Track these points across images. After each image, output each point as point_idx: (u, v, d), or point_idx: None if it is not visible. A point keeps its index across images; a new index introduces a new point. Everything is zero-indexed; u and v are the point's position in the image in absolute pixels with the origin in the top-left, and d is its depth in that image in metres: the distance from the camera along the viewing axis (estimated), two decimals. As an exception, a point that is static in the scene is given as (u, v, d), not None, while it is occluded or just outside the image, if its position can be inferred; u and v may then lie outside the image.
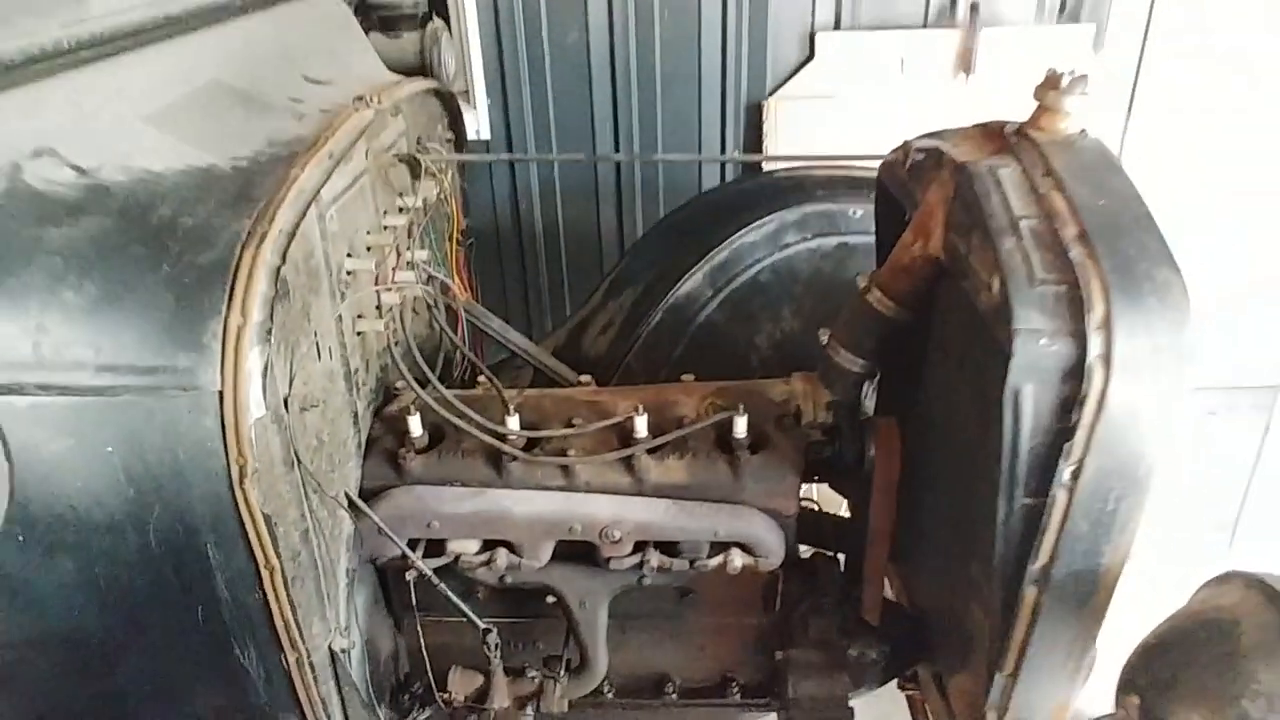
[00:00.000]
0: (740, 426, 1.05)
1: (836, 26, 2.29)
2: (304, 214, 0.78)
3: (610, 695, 1.20)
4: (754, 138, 2.38)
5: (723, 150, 2.45)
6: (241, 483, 0.71)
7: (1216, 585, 0.84)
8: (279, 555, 0.77)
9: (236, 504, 0.72)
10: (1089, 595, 0.89)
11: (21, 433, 0.60)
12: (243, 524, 0.73)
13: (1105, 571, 0.88)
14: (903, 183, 1.07)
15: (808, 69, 2.31)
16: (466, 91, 2.41)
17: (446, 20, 2.19)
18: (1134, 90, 2.25)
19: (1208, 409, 2.48)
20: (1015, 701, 0.97)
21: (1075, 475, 0.82)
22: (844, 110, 2.32)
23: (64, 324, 0.64)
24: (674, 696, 1.20)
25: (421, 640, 1.11)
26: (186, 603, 0.75)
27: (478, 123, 2.40)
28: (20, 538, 0.64)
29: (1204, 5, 2.14)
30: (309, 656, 0.86)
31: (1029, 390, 0.80)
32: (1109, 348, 0.77)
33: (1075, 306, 0.79)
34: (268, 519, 0.74)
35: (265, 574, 0.76)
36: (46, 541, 0.65)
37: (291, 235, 0.75)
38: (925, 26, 2.27)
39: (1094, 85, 0.91)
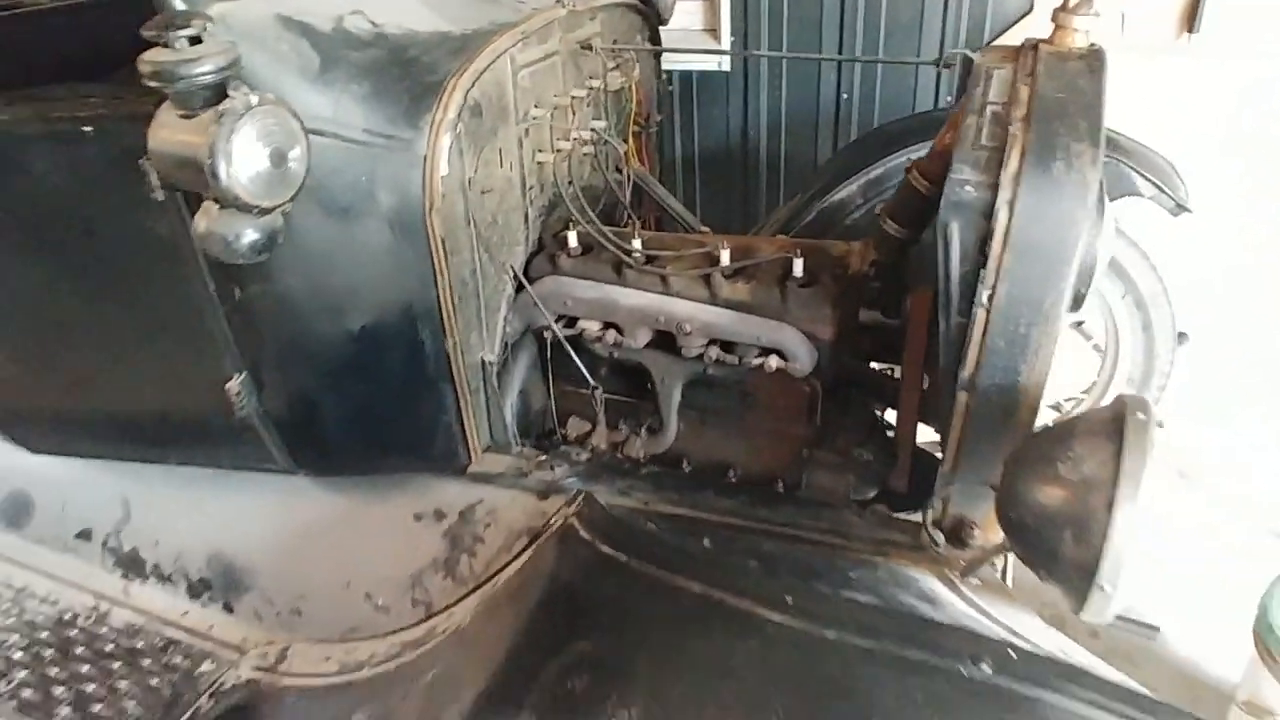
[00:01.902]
0: (797, 267, 1.39)
1: (1060, -20, 2.38)
2: (492, 63, 1.24)
3: (688, 469, 1.60)
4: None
5: (936, 102, 2.65)
6: (430, 213, 1.19)
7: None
8: (449, 274, 1.25)
9: (425, 226, 1.20)
10: (1012, 408, 1.13)
11: (318, 155, 1.11)
12: (429, 241, 1.21)
13: (1023, 389, 1.12)
14: (961, 85, 1.33)
15: (1025, 21, 2.43)
16: (715, 30, 2.82)
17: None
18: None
19: None
20: (954, 498, 1.22)
21: (990, 299, 1.08)
22: (1060, 63, 2.42)
23: (349, 101, 1.14)
24: (733, 481, 1.57)
25: (551, 391, 1.59)
26: (406, 281, 1.25)
27: (719, 59, 2.81)
28: (311, 203, 1.15)
29: None
30: (463, 352, 1.34)
31: (955, 226, 1.07)
32: (1014, 196, 1.02)
33: (996, 163, 1.04)
34: (443, 242, 1.22)
35: (440, 279, 1.25)
36: (326, 209, 1.16)
37: (480, 75, 1.22)
38: (1154, -17, 2.31)
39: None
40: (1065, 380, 2.36)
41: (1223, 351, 2.60)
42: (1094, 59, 1.15)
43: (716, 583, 0.87)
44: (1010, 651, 0.78)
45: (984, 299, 1.08)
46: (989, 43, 2.50)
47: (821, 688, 0.75)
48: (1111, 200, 1.90)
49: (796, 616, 0.80)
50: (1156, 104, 2.37)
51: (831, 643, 0.78)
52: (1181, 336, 2.34)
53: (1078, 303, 1.64)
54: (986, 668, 0.76)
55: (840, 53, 2.66)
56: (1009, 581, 1.43)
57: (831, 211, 2.00)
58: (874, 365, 1.55)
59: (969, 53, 1.24)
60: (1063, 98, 1.08)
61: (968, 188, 1.05)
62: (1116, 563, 0.92)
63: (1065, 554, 0.96)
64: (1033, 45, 1.20)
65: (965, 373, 1.14)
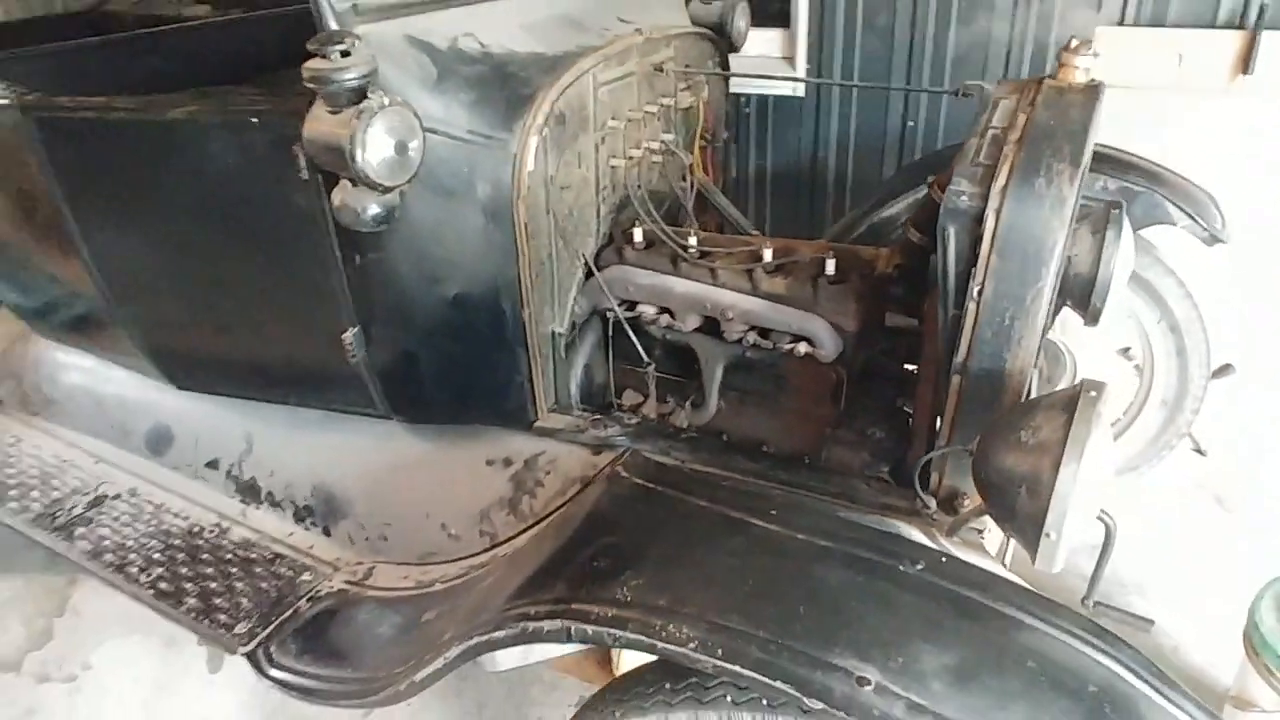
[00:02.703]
0: (829, 266, 1.59)
1: (1120, 22, 2.52)
2: (575, 80, 1.49)
3: (727, 441, 1.80)
4: (1026, 117, 2.70)
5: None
6: (516, 201, 1.44)
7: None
8: (528, 254, 1.50)
9: (512, 213, 1.45)
10: (999, 390, 1.30)
11: (430, 149, 1.37)
12: (514, 225, 1.46)
13: (1008, 374, 1.29)
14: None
15: (1085, 59, 2.57)
16: (791, 58, 3.04)
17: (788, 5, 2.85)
18: None
19: None
20: (948, 470, 1.40)
21: (979, 294, 1.26)
22: (1118, 100, 2.55)
23: (458, 106, 1.40)
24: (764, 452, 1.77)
25: (611, 366, 1.82)
26: (494, 258, 1.50)
27: (793, 85, 3.03)
28: (421, 188, 1.40)
29: None
30: (537, 323, 1.58)
31: (951, 231, 1.25)
32: (1001, 205, 1.20)
33: (988, 178, 1.22)
34: (525, 227, 1.47)
35: (520, 259, 1.50)
36: (433, 193, 1.42)
37: (565, 90, 1.47)
38: (1211, 27, 2.42)
39: None
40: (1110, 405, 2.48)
41: (1266, 382, 2.67)
42: (1090, 93, 1.32)
43: (721, 501, 1.08)
44: (943, 559, 0.97)
45: (974, 294, 1.26)
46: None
47: (784, 573, 0.95)
48: (1142, 227, 2.05)
49: (776, 523, 1.00)
50: (1210, 141, 2.48)
51: (800, 541, 0.98)
52: (1226, 368, 2.43)
53: (1094, 317, 1.80)
54: (921, 567, 0.94)
55: (908, 82, 2.84)
56: (1007, 562, 1.59)
57: (880, 226, 2.19)
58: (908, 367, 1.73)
59: (985, 85, 1.42)
60: (1053, 125, 1.26)
61: (963, 197, 1.24)
62: (1060, 513, 1.09)
63: (1021, 508, 1.13)
64: (1039, 80, 1.38)
65: (958, 359, 1.32)
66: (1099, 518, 1.74)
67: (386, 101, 1.24)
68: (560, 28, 1.63)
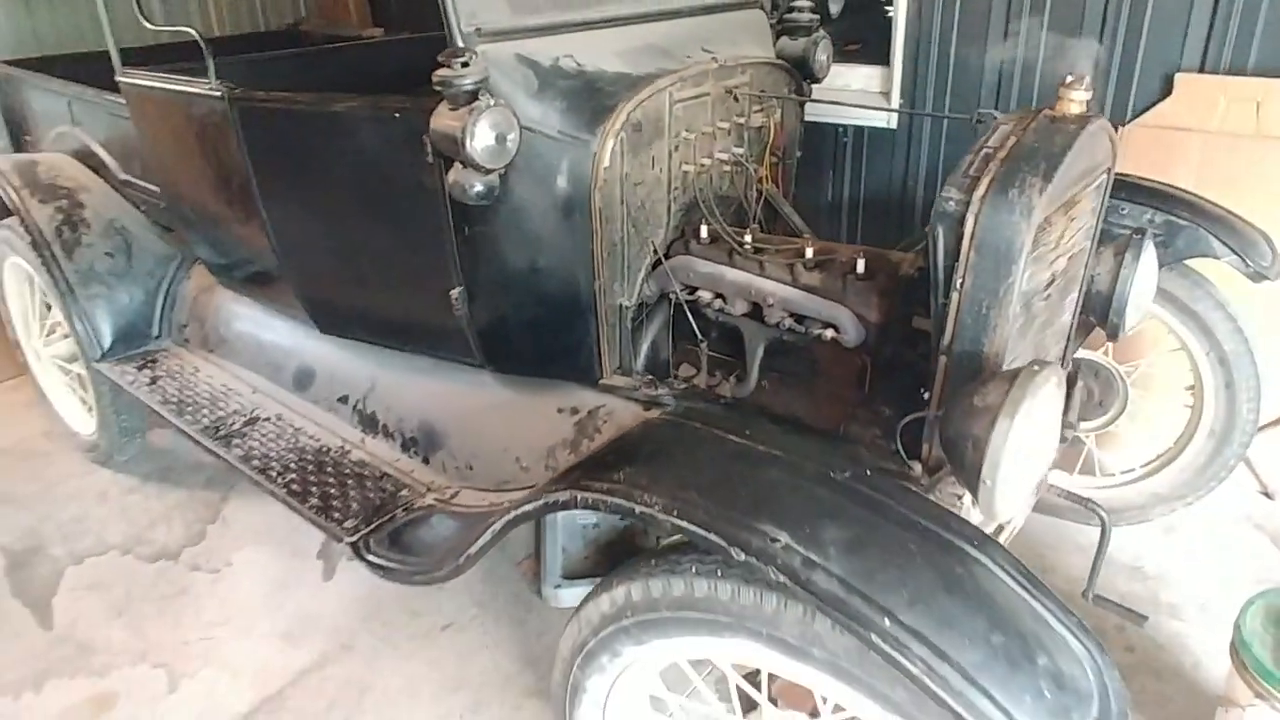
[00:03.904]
0: (859, 265, 1.84)
1: (1201, 69, 2.64)
2: (652, 96, 1.81)
3: (761, 411, 2.06)
4: (1107, 157, 2.83)
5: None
6: (593, 190, 1.77)
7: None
8: (602, 235, 1.82)
9: (590, 200, 1.78)
10: (977, 369, 1.51)
11: (526, 144, 1.72)
12: (591, 210, 1.79)
13: (985, 355, 1.51)
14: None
15: (1165, 103, 2.69)
16: (888, 92, 3.27)
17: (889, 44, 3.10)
18: None
19: None
20: (936, 441, 1.61)
21: (961, 285, 1.48)
22: (1196, 145, 2.66)
23: (552, 111, 1.74)
24: (796, 426, 2.01)
25: (671, 343, 2.12)
26: (574, 238, 1.83)
27: (886, 117, 3.25)
28: (518, 175, 1.75)
29: None
30: (606, 295, 1.90)
31: (940, 231, 1.48)
32: (979, 211, 1.42)
33: (973, 187, 1.44)
34: (600, 212, 1.79)
35: (595, 238, 1.82)
36: (528, 180, 1.76)
37: (642, 103, 1.79)
38: (1291, 77, 2.50)
39: None
40: (1163, 432, 2.57)
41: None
42: (1081, 121, 1.53)
43: (730, 430, 1.36)
44: (867, 472, 1.21)
45: (957, 285, 1.49)
46: (1130, 119, 2.77)
47: (738, 471, 1.22)
48: (1184, 259, 2.18)
49: (751, 440, 1.28)
50: (1288, 187, 2.55)
51: (760, 453, 1.25)
52: None
53: (1113, 334, 1.98)
54: (847, 475, 1.19)
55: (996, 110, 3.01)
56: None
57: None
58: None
59: (995, 113, 1.65)
60: (1036, 147, 1.48)
61: (951, 203, 1.47)
62: (994, 463, 1.31)
63: (968, 460, 1.35)
64: (1039, 110, 1.60)
65: (944, 342, 1.55)
66: (1094, 510, 1.93)
67: (493, 102, 1.59)
68: (646, 54, 1.95)
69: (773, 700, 1.43)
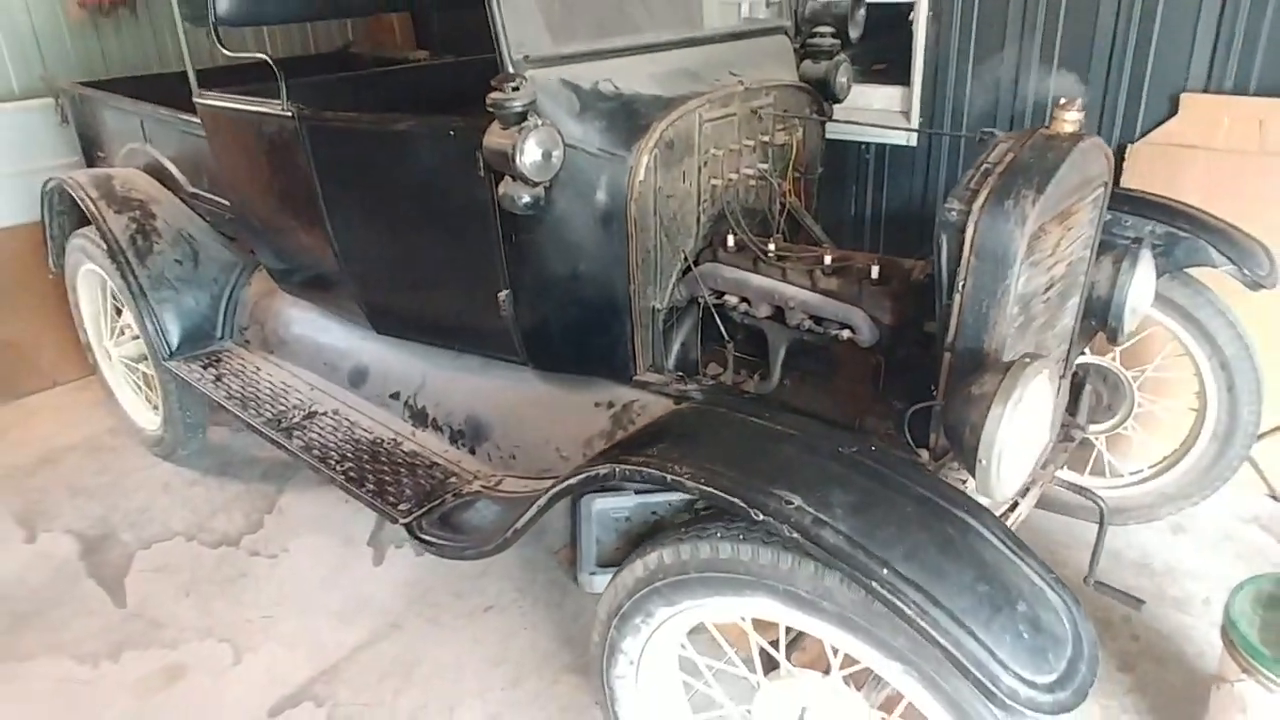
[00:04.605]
0: (874, 272, 1.99)
1: (1206, 89, 2.77)
2: (683, 116, 1.99)
3: (783, 406, 2.21)
4: (1116, 175, 2.97)
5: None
6: (629, 202, 1.95)
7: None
8: (636, 242, 1.99)
9: (626, 211, 1.96)
10: (979, 364, 1.66)
11: (570, 160, 1.90)
12: (626, 220, 1.97)
13: (985, 352, 1.66)
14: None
15: (1171, 122, 2.82)
16: (908, 112, 3.42)
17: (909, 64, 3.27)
18: None
19: None
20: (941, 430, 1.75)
21: (962, 288, 1.63)
22: (1201, 162, 2.79)
23: (592, 131, 1.91)
24: (814, 421, 2.17)
25: (699, 343, 2.28)
26: (612, 245, 2.00)
27: (906, 136, 3.41)
28: (562, 188, 1.93)
29: None
30: (640, 299, 2.07)
31: (944, 238, 1.64)
32: (978, 220, 1.58)
33: (973, 198, 1.60)
34: (635, 222, 1.97)
35: (630, 245, 1.99)
36: (570, 192, 1.94)
37: (674, 123, 1.97)
38: (1291, 97, 2.63)
39: None
40: (1169, 434, 2.69)
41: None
42: (1074, 139, 1.68)
43: (753, 415, 1.53)
44: (872, 447, 1.37)
45: (959, 288, 1.65)
46: (1138, 137, 2.90)
47: (758, 446, 1.38)
48: (1183, 268, 2.32)
49: (771, 421, 1.45)
50: (1290, 201, 2.66)
51: (779, 431, 1.41)
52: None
53: (1113, 337, 2.12)
54: (853, 450, 1.35)
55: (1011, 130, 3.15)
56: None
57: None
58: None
59: (996, 131, 1.80)
60: (1030, 162, 1.63)
61: (953, 212, 1.63)
62: (989, 444, 1.46)
63: (966, 443, 1.51)
64: (1036, 129, 1.75)
65: (949, 339, 1.70)
66: (1092, 499, 2.07)
67: (540, 122, 1.78)
68: (678, 78, 2.13)
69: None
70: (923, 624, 1.12)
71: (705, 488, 1.30)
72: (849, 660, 1.42)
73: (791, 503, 1.23)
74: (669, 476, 1.34)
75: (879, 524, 1.21)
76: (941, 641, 1.12)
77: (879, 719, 1.46)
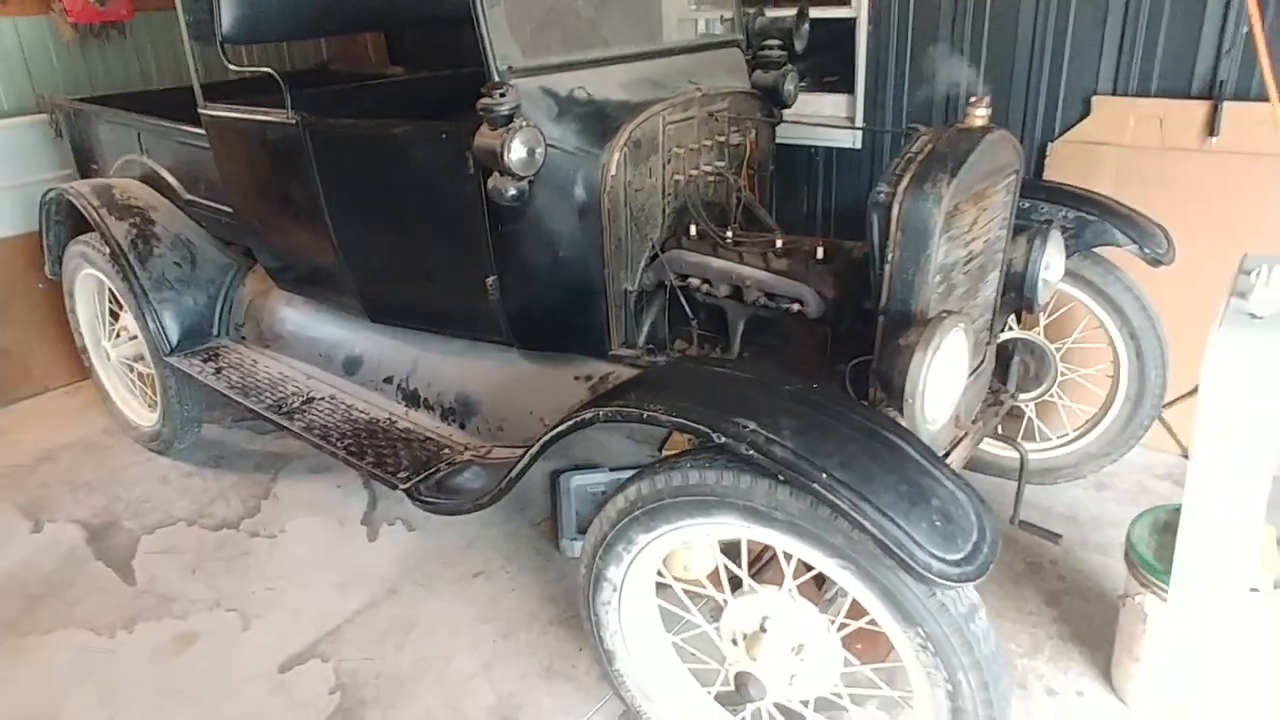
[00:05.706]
0: (819, 253, 2.27)
1: (1114, 92, 3.10)
2: (649, 119, 2.25)
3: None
4: (1039, 170, 3.29)
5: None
6: (603, 195, 2.20)
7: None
8: (610, 231, 2.25)
9: (600, 202, 2.21)
10: (907, 324, 1.93)
11: (550, 158, 2.15)
12: (600, 210, 2.22)
13: (913, 313, 1.93)
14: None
15: (1085, 122, 3.15)
16: (852, 117, 3.73)
17: (853, 74, 3.58)
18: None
19: None
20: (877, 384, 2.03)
21: (891, 259, 1.91)
22: (1112, 157, 3.11)
23: (569, 132, 2.16)
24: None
25: (667, 323, 2.54)
26: (587, 234, 2.25)
27: (853, 137, 3.72)
28: (543, 183, 2.17)
29: None
30: (613, 282, 2.32)
31: (875, 217, 1.91)
32: (901, 200, 1.86)
33: (898, 182, 1.88)
34: (608, 213, 2.22)
35: (604, 234, 2.24)
36: (550, 187, 2.18)
37: (641, 124, 2.23)
38: (1186, 97, 2.96)
39: None
40: (1089, 400, 2.99)
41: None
42: (983, 132, 1.97)
43: (723, 365, 1.79)
44: (814, 386, 1.64)
45: (888, 259, 1.92)
46: (1057, 136, 3.23)
47: (720, 385, 1.65)
48: (1092, 247, 2.63)
49: (729, 367, 1.71)
50: (1186, 191, 2.99)
51: (738, 376, 1.68)
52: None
53: (1029, 307, 2.42)
54: (796, 387, 1.62)
55: (946, 139, 3.47)
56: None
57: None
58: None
59: (920, 127, 2.09)
60: (945, 152, 1.91)
61: (881, 194, 1.91)
62: (914, 384, 1.73)
63: (896, 385, 1.78)
64: (952, 124, 2.04)
65: (881, 305, 1.97)
66: (1013, 444, 2.36)
67: (525, 124, 2.03)
68: (644, 85, 2.41)
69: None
70: (855, 515, 1.38)
71: (675, 419, 1.55)
72: (802, 570, 1.67)
73: (747, 426, 1.49)
74: (644, 413, 1.59)
75: (820, 442, 1.47)
76: (869, 529, 1.38)
77: (827, 621, 1.72)
